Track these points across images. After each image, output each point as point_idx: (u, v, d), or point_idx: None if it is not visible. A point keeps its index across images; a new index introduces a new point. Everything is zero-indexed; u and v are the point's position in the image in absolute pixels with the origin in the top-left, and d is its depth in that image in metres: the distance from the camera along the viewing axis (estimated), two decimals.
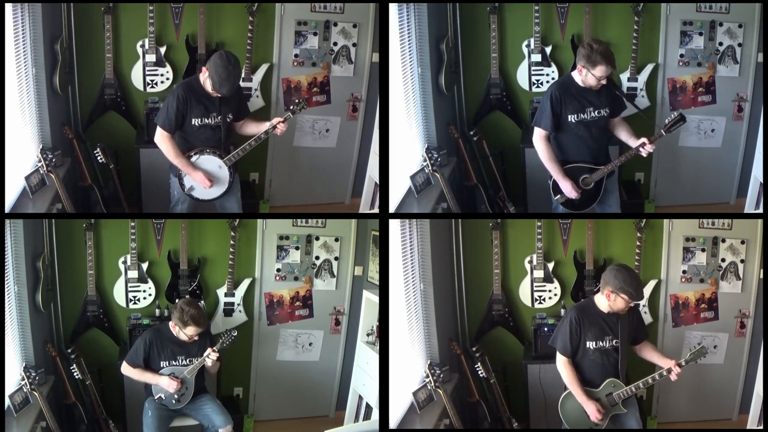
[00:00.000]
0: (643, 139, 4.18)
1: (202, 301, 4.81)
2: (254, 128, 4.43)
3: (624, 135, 4.30)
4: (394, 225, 4.19)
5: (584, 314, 3.96)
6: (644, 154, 4.20)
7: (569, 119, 4.19)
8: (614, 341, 3.95)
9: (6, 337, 4.16)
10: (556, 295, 4.75)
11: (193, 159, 4.29)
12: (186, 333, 4.24)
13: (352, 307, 5.12)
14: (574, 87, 4.18)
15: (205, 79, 4.16)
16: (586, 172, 4.26)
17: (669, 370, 3.94)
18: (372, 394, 4.62)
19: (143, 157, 4.83)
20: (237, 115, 4.38)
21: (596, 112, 4.21)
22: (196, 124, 4.25)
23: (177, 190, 4.37)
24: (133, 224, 4.67)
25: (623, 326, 3.95)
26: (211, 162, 4.32)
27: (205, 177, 4.30)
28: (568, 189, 4.25)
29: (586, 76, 4.11)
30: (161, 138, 4.23)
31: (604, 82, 4.12)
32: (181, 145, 4.28)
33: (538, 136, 4.24)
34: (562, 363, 4.00)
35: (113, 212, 4.86)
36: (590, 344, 3.95)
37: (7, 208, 4.14)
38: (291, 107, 4.40)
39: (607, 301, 3.89)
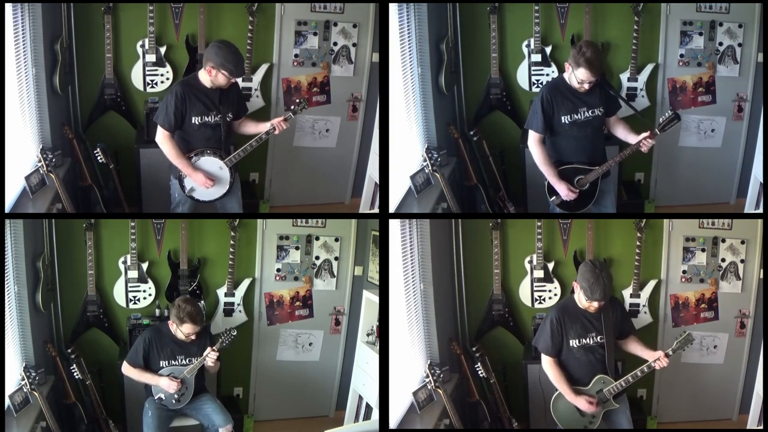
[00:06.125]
0: (645, 134, 4.11)
1: (202, 301, 4.81)
2: (253, 128, 4.42)
3: (622, 132, 4.28)
4: (394, 225, 4.19)
5: (565, 313, 4.00)
6: (644, 150, 4.16)
7: (563, 120, 4.17)
8: (598, 337, 3.98)
9: (6, 337, 4.16)
10: (556, 295, 4.75)
11: (194, 160, 4.29)
12: (182, 331, 4.23)
13: (352, 307, 5.12)
14: (565, 88, 4.14)
15: (216, 74, 4.12)
16: (581, 173, 4.24)
17: (656, 361, 3.96)
18: (372, 394, 4.62)
19: (143, 157, 4.82)
20: (236, 113, 4.38)
21: (590, 112, 4.18)
22: (196, 122, 4.24)
23: (177, 191, 4.37)
24: (133, 224, 4.67)
25: (607, 322, 3.98)
26: (211, 163, 4.32)
27: (206, 178, 4.29)
28: (564, 192, 4.23)
29: (570, 76, 4.09)
30: (162, 138, 4.22)
31: (586, 86, 4.07)
32: (181, 145, 4.27)
33: (532, 139, 4.22)
34: (547, 363, 4.04)
35: (113, 212, 4.86)
36: (573, 342, 3.98)
37: (7, 208, 4.14)
38: (292, 107, 4.39)
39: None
